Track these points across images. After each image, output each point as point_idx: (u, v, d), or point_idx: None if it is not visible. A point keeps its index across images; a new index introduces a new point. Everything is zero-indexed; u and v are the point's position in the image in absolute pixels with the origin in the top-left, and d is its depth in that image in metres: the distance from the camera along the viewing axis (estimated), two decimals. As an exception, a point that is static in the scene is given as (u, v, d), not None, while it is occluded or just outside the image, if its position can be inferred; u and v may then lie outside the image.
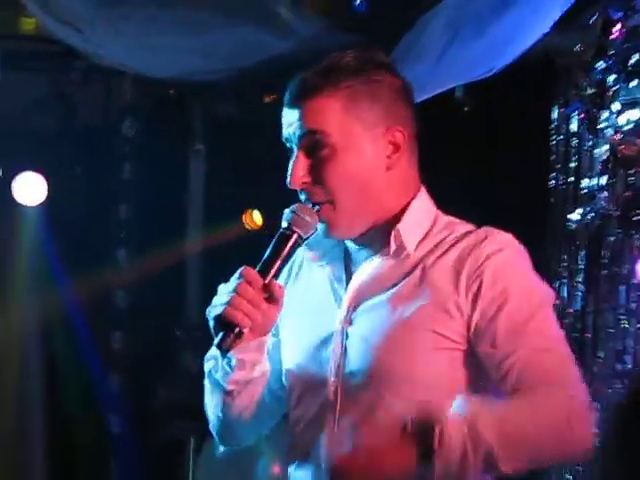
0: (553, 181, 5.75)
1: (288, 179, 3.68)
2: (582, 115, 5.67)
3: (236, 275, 3.69)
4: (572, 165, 5.75)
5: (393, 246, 3.73)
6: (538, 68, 5.47)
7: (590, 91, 5.65)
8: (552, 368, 3.58)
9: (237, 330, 3.61)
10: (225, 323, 3.60)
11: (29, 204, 6.88)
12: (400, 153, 3.67)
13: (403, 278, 3.75)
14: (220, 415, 3.97)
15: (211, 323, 3.66)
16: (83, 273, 7.13)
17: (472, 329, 3.61)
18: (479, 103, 5.45)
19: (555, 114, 5.71)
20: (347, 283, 3.85)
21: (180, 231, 6.81)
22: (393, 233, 3.72)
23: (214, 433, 4.09)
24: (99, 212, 6.78)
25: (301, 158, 3.64)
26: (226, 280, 3.87)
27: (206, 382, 3.93)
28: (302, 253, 3.91)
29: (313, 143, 3.63)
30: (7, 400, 7.98)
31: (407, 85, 3.78)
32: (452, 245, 3.73)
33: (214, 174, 6.73)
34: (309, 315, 3.94)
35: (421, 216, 3.85)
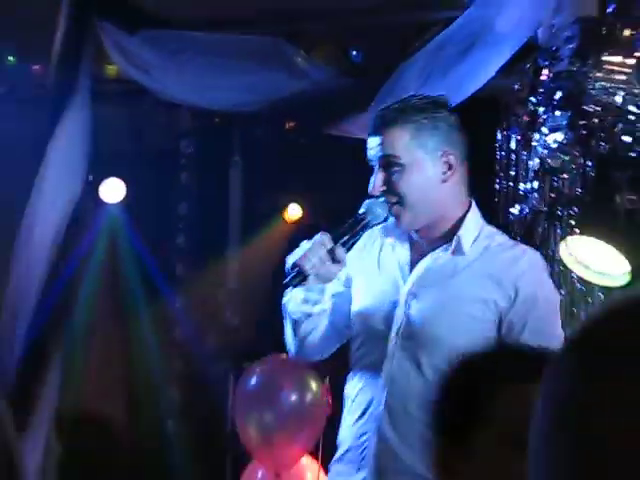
0: (497, 185, 5.86)
1: (370, 187, 4.28)
2: (519, 137, 5.62)
3: (316, 236, 4.28)
4: (512, 173, 5.78)
5: (453, 246, 4.27)
6: (487, 102, 5.67)
7: (525, 119, 5.48)
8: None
9: (303, 275, 4.19)
10: (296, 267, 4.19)
11: (111, 202, 6.94)
12: (452, 171, 4.27)
13: (458, 272, 4.29)
14: (290, 337, 4.47)
15: (288, 265, 4.27)
16: (154, 254, 7.00)
17: (505, 322, 4.24)
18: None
19: (499, 136, 5.78)
20: (412, 266, 4.36)
21: (224, 222, 7.00)
22: (455, 237, 4.27)
23: (289, 346, 4.57)
24: (164, 209, 7.00)
25: (380, 173, 4.24)
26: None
27: (284, 312, 4.41)
28: (380, 237, 4.47)
29: (388, 163, 4.23)
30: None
31: (458, 119, 4.42)
32: (496, 252, 4.34)
33: (248, 180, 6.88)
34: (379, 283, 4.42)
35: (474, 225, 4.37)
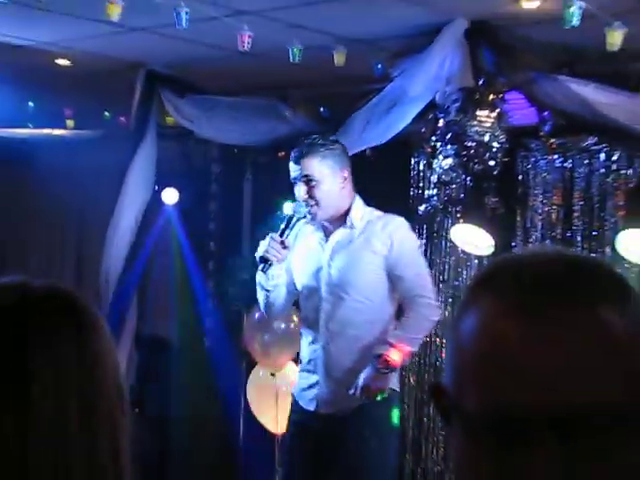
0: (412, 192, 6.01)
1: (297, 195, 4.43)
2: (424, 162, 5.81)
3: (269, 236, 4.37)
4: (420, 184, 5.96)
5: (348, 224, 4.43)
6: (405, 139, 5.67)
7: (428, 150, 5.55)
8: (422, 284, 4.39)
9: (269, 262, 4.35)
10: (263, 258, 4.35)
11: (169, 203, 6.79)
12: (346, 182, 4.45)
13: (354, 238, 4.43)
14: (264, 302, 4.55)
15: (257, 258, 4.37)
16: (194, 237, 6.86)
17: (388, 264, 4.36)
18: (377, 155, 5.59)
19: (412, 161, 5.97)
20: (326, 241, 4.50)
21: (240, 217, 6.87)
22: (348, 218, 4.44)
23: (263, 310, 4.75)
24: (201, 207, 6.86)
25: (302, 187, 4.38)
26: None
27: (257, 287, 4.49)
28: (304, 227, 4.57)
29: (306, 180, 4.37)
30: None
31: (346, 149, 4.56)
32: (375, 222, 4.43)
33: (256, 190, 6.80)
34: (309, 256, 4.56)
35: (358, 209, 4.48)
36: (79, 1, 4.59)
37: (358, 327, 4.46)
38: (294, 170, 4.47)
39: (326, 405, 4.45)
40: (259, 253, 4.42)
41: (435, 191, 5.73)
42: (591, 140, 5.34)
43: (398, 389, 4.58)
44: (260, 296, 4.57)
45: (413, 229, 6.06)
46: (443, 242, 6.09)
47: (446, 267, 6.12)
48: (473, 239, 5.61)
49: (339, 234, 4.51)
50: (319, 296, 4.51)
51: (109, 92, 6.62)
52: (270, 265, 4.39)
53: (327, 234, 4.57)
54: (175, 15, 4.59)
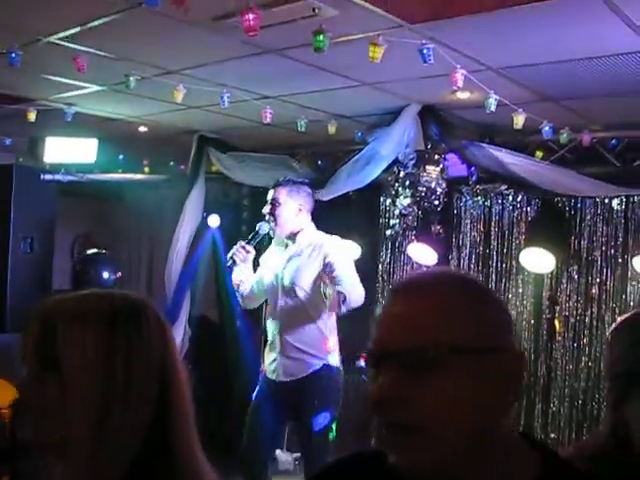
0: (380, 220, 6.00)
1: (264, 212, 4.27)
2: (389, 200, 5.74)
3: (237, 244, 4.27)
4: (387, 216, 5.91)
5: (297, 242, 4.25)
6: (377, 185, 5.51)
7: (392, 192, 5.40)
8: (351, 281, 4.08)
9: (233, 261, 4.26)
10: (230, 258, 4.27)
11: (213, 226, 6.54)
12: (300, 212, 4.23)
13: (302, 252, 4.21)
14: (237, 294, 4.42)
15: (229, 261, 4.28)
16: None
17: (324, 268, 4.09)
18: (357, 195, 5.58)
19: (381, 199, 5.96)
20: (285, 252, 4.28)
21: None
22: (296, 238, 4.24)
23: (242, 303, 4.53)
24: (235, 229, 6.61)
25: (268, 206, 4.24)
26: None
27: (232, 283, 4.40)
28: (273, 243, 4.41)
29: (274, 202, 4.22)
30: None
31: (311, 191, 4.40)
32: (319, 242, 4.19)
33: None
34: (271, 263, 4.34)
35: (307, 232, 4.26)
36: (155, 88, 4.56)
37: (303, 317, 4.23)
38: (269, 194, 4.32)
39: (283, 375, 4.23)
40: (229, 255, 4.33)
41: (397, 220, 5.66)
42: (503, 187, 5.44)
43: (339, 367, 4.27)
44: (236, 290, 4.43)
45: (381, 247, 6.18)
46: (402, 256, 6.10)
47: (404, 273, 6.08)
48: (423, 254, 5.59)
49: (291, 249, 4.31)
50: (277, 293, 4.28)
51: (174, 149, 6.61)
52: (234, 263, 4.29)
53: (285, 247, 4.35)
54: (220, 98, 4.59)
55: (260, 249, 4.51)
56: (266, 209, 4.30)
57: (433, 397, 1.02)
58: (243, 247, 4.28)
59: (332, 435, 4.17)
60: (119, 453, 1.24)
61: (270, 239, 4.47)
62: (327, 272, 4.12)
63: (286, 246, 4.35)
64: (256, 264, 4.46)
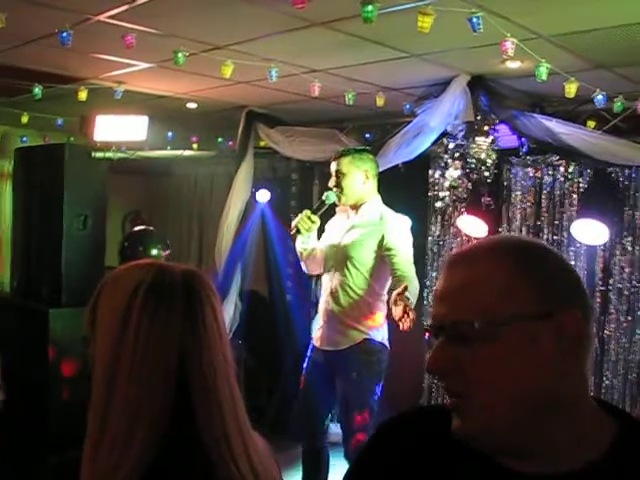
0: (430, 193, 5.90)
1: (330, 184, 4.27)
2: (440, 172, 5.71)
3: (302, 213, 4.25)
4: (436, 188, 5.85)
5: (359, 213, 4.25)
6: (426, 156, 5.47)
7: (441, 164, 5.46)
8: (409, 266, 4.05)
9: (298, 230, 4.23)
10: (297, 228, 4.23)
11: (262, 201, 6.57)
12: (368, 181, 4.25)
13: (362, 224, 4.22)
14: (301, 261, 4.40)
15: (293, 229, 4.24)
16: (279, 226, 6.61)
17: (384, 245, 4.10)
18: (407, 168, 5.43)
19: (431, 172, 5.86)
20: (348, 222, 4.29)
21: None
22: (361, 209, 4.25)
23: (305, 269, 4.49)
24: (283, 203, 6.76)
25: (333, 178, 4.25)
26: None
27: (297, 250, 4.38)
28: (337, 212, 4.41)
29: (338, 173, 4.22)
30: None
31: (375, 160, 4.38)
32: (384, 218, 4.19)
33: (322, 191, 6.00)
34: (331, 233, 4.36)
35: (373, 204, 4.27)
36: (203, 64, 4.58)
37: (352, 290, 4.22)
38: (332, 166, 4.31)
39: (327, 344, 4.28)
40: (293, 223, 4.30)
41: (447, 193, 5.69)
42: (554, 158, 5.34)
43: (385, 343, 4.24)
44: (300, 256, 4.42)
45: (431, 220, 6.11)
46: (452, 228, 6.06)
47: (453, 245, 6.06)
48: (473, 226, 5.56)
49: (353, 219, 4.30)
50: (332, 262, 4.31)
51: (222, 125, 6.65)
52: (299, 232, 4.26)
53: (348, 217, 4.35)
54: (268, 73, 4.60)
55: (326, 219, 4.50)
56: (331, 182, 4.29)
57: (483, 367, 1.04)
58: (308, 217, 4.25)
59: (374, 409, 4.14)
60: (136, 423, 1.26)
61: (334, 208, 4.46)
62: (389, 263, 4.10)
63: (348, 216, 4.35)
64: (321, 232, 4.47)
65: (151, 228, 5.22)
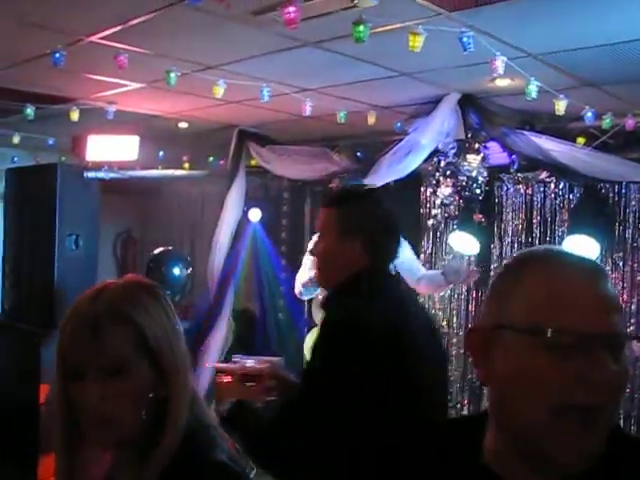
0: (422, 211, 5.94)
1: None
2: (430, 190, 5.74)
3: None
4: (428, 206, 5.90)
5: None
6: (417, 174, 5.48)
7: (433, 182, 5.42)
8: (417, 266, 4.34)
9: None
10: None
11: (254, 220, 6.68)
12: None
13: None
14: (308, 286, 4.42)
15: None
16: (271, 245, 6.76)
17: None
18: (398, 186, 5.23)
19: (422, 189, 5.91)
20: None
21: (301, 231, 6.75)
22: None
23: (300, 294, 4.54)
24: (275, 222, 6.86)
25: None
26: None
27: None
28: None
29: None
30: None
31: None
32: None
33: (312, 209, 6.64)
34: None
35: None
36: (194, 84, 4.59)
37: None
38: None
39: None
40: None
41: (438, 210, 5.72)
42: (544, 175, 5.35)
43: None
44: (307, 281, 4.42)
45: (423, 237, 6.11)
46: (444, 245, 6.07)
47: (445, 262, 6.02)
48: (464, 243, 5.57)
49: None
50: None
51: (213, 144, 6.68)
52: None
53: None
54: (260, 92, 4.60)
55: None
56: None
57: (623, 379, 1.03)
58: None
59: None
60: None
61: None
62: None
63: None
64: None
65: (170, 248, 5.21)
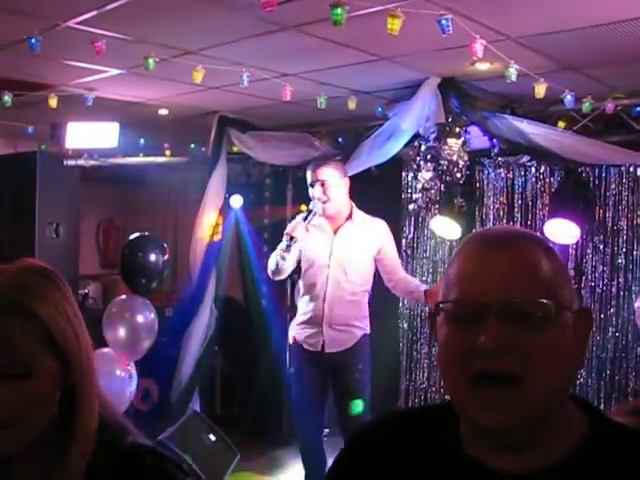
0: (403, 195, 5.92)
1: (313, 196, 4.35)
2: (411, 174, 5.68)
3: (296, 220, 4.37)
4: (409, 190, 5.86)
5: (353, 219, 4.42)
6: (398, 159, 5.54)
7: (414, 166, 5.41)
8: (398, 264, 4.51)
9: (294, 239, 4.26)
10: (290, 236, 4.27)
11: (235, 206, 6.42)
12: (347, 187, 4.42)
13: (353, 231, 4.42)
14: (275, 267, 4.38)
15: (285, 235, 4.27)
16: (253, 231, 6.61)
17: (379, 252, 4.43)
18: (379, 171, 5.35)
19: (403, 174, 5.88)
20: (333, 231, 4.44)
21: (283, 217, 6.50)
22: (353, 215, 4.42)
23: (270, 272, 4.47)
24: (257, 209, 6.69)
25: (319, 188, 4.32)
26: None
27: (275, 256, 4.37)
28: (317, 221, 4.43)
29: (323, 183, 4.32)
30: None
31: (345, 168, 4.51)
32: (368, 222, 4.45)
33: (295, 196, 6.61)
34: (319, 241, 4.46)
35: (357, 210, 4.46)
36: (174, 70, 4.57)
37: (351, 294, 4.42)
38: (313, 176, 4.36)
39: (329, 347, 4.41)
40: (287, 230, 4.34)
41: (419, 195, 5.67)
42: (525, 158, 5.35)
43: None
44: (273, 262, 4.42)
45: (404, 222, 6.08)
46: (425, 230, 6.07)
47: (427, 247, 6.09)
48: (446, 228, 5.55)
49: (346, 227, 4.43)
50: (324, 271, 4.42)
51: (194, 131, 6.62)
52: (295, 242, 4.29)
53: (334, 225, 4.46)
54: (239, 77, 4.57)
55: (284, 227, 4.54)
56: (317, 192, 4.35)
57: (546, 351, 1.02)
58: (305, 226, 4.34)
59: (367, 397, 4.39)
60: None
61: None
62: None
63: (337, 224, 4.49)
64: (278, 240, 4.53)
65: (147, 234, 5.19)
